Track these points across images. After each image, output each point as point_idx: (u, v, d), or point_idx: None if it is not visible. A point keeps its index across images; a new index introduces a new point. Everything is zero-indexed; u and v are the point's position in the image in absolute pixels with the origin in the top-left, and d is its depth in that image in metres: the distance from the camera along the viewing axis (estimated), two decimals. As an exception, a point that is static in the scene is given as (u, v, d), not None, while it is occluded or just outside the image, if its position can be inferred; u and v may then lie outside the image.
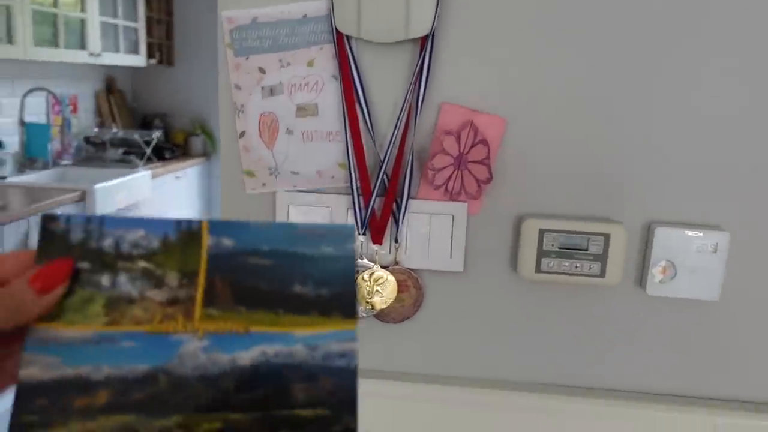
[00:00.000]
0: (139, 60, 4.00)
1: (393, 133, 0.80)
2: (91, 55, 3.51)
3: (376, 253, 0.82)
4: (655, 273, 0.79)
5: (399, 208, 0.81)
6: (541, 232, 0.79)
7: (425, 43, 0.77)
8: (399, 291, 0.83)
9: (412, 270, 0.83)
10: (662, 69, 0.76)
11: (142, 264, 0.35)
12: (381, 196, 0.81)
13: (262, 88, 0.82)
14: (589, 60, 0.77)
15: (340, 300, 0.36)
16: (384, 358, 0.87)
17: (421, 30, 0.76)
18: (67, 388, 0.33)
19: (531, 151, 0.80)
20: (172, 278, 0.35)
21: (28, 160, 3.44)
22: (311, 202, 0.84)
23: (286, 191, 0.84)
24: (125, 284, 0.35)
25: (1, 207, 2.72)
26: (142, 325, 0.34)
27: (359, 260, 0.83)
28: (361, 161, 0.81)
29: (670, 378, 0.83)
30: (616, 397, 0.82)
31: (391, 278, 0.82)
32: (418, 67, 0.78)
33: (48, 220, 0.35)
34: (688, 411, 0.81)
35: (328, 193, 0.83)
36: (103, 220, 0.35)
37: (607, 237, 0.78)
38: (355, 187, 0.81)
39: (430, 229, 0.82)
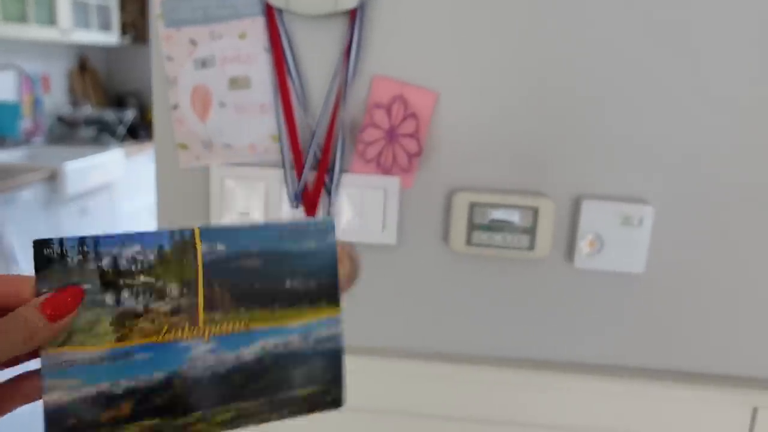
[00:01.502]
0: (112, 37, 3.95)
1: (324, 106, 0.80)
2: (62, 31, 3.46)
3: (309, 227, 0.83)
4: (583, 246, 0.80)
5: (332, 181, 0.82)
6: (472, 205, 0.80)
7: (355, 16, 0.77)
8: (333, 264, 0.84)
9: (346, 242, 0.84)
10: (588, 40, 0.76)
11: (143, 278, 0.36)
12: (313, 169, 0.82)
13: (194, 60, 0.81)
14: (520, 33, 0.77)
15: (325, 289, 0.40)
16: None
17: (350, 2, 0.76)
18: (92, 406, 0.35)
19: (462, 125, 0.80)
20: (173, 288, 0.37)
21: (-2, 138, 3.39)
22: (245, 175, 0.84)
23: (219, 165, 0.84)
24: (129, 300, 0.36)
25: (-32, 185, 2.68)
26: (151, 336, 0.37)
27: (292, 233, 0.83)
28: (293, 134, 0.81)
29: (598, 348, 0.84)
30: (546, 368, 0.84)
31: (325, 251, 0.83)
32: (348, 40, 0.77)
33: (41, 246, 0.36)
34: (618, 382, 0.82)
35: (261, 166, 0.83)
36: (97, 240, 0.36)
37: (535, 210, 0.79)
38: (287, 161, 0.81)
39: (363, 202, 0.83)
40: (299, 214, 0.83)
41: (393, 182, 0.82)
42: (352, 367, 0.87)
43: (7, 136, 3.41)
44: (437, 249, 0.84)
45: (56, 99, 3.90)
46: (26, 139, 3.50)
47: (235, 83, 0.81)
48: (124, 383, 0.36)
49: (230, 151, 0.83)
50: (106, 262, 0.36)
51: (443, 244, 0.84)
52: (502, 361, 0.85)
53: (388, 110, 0.79)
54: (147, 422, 0.36)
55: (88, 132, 3.69)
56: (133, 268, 0.36)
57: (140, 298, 0.36)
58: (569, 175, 0.80)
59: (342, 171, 0.81)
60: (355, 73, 0.79)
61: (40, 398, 0.35)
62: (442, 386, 0.84)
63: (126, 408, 0.36)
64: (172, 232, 0.37)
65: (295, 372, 0.39)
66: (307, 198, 0.82)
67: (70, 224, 3.14)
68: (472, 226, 0.80)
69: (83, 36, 3.67)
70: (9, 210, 2.76)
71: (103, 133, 3.69)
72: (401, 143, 0.80)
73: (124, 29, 4.11)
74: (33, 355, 0.35)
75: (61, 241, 0.35)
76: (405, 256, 0.84)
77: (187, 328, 0.37)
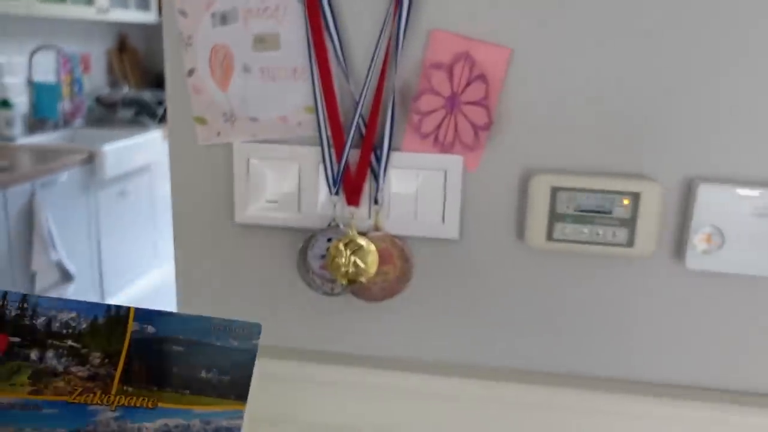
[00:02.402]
0: (150, 15, 3.86)
1: (370, 69, 0.64)
2: (99, 10, 3.37)
3: (352, 217, 0.68)
4: (697, 242, 0.63)
5: (379, 161, 0.66)
6: (554, 190, 0.64)
7: (409, -47, 0.61)
8: (381, 263, 0.69)
9: (396, 237, 0.69)
10: (713, -20, 0.59)
11: (70, 342, 0.39)
12: (357, 147, 0.66)
13: (213, 14, 0.67)
14: (618, -30, 0.60)
15: (236, 385, 0.42)
16: (362, 341, 0.73)
17: (402, -65, 0.60)
18: None
19: (542, 89, 0.64)
20: (96, 357, 0.40)
21: (37, 120, 3.34)
22: (274, 154, 0.69)
23: (244, 142, 0.69)
24: (51, 359, 0.39)
25: (6, 168, 2.63)
26: (63, 395, 0.39)
27: (333, 225, 0.68)
28: (331, 105, 0.66)
29: (715, 371, 0.67)
30: (645, 392, 0.68)
31: (371, 247, 0.68)
32: (400, -16, 0.62)
33: None
34: (739, 412, 0.66)
35: (294, 143, 0.69)
36: (37, 301, 0.39)
37: (636, 197, 0.63)
38: (325, 137, 0.66)
39: (417, 188, 0.67)
40: (339, 201, 0.68)
41: (455, 162, 0.66)
42: (401, 385, 0.74)
43: (47, 117, 3.36)
44: (509, 245, 0.68)
45: (95, 80, 3.84)
46: (66, 121, 3.44)
47: (262, 42, 0.66)
48: (28, 431, 0.38)
49: (256, 126, 0.69)
50: (40, 321, 0.39)
51: (517, 240, 0.68)
52: (590, 382, 0.69)
53: (450, 72, 0.63)
54: None
55: (126, 113, 3.62)
56: (65, 331, 0.39)
57: (62, 360, 0.39)
58: (680, 151, 0.63)
59: (391, 149, 0.66)
60: (408, 27, 0.63)
61: None
62: (511, 412, 0.69)
63: None
64: (109, 307, 0.40)
65: None
66: (349, 182, 0.67)
67: (109, 207, 3.08)
68: (555, 217, 0.64)
69: (121, 15, 3.59)
70: (47, 193, 2.70)
71: (141, 114, 3.61)
72: (466, 113, 0.64)
73: (162, 7, 4.01)
74: None
75: (4, 294, 0.39)
76: (469, 254, 0.69)
77: (98, 395, 0.40)
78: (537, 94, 0.64)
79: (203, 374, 0.42)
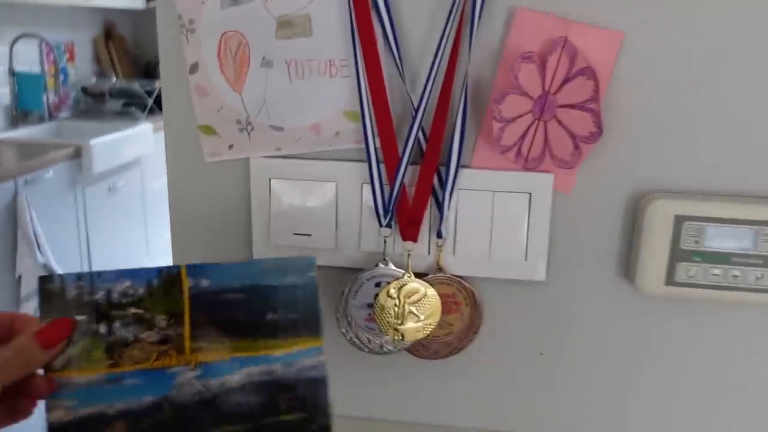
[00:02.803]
0: (138, 2, 3.66)
1: (434, 63, 0.48)
2: (83, -4, 3.18)
3: (408, 255, 0.52)
4: None
5: (443, 183, 0.51)
6: (679, 220, 0.48)
7: None
8: (444, 312, 0.53)
9: (463, 279, 0.53)
10: None
11: (132, 310, 0.39)
12: (415, 163, 0.51)
13: (221, -9, 0.50)
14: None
15: (306, 322, 0.41)
16: (421, 407, 0.58)
17: None
18: (91, 425, 0.39)
19: (661, 86, 0.48)
20: (161, 320, 0.40)
21: (20, 113, 3.16)
22: (305, 173, 0.53)
23: (264, 157, 0.54)
24: (120, 330, 0.39)
25: (-14, 165, 2.45)
26: (141, 363, 0.39)
27: (383, 266, 0.53)
28: (381, 108, 0.50)
29: None
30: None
31: (432, 292, 0.53)
32: (476, -53, 0.46)
33: (45, 281, 0.39)
34: None
35: (330, 159, 0.53)
36: (92, 276, 0.39)
37: (791, 229, 0.47)
38: (373, 150, 0.50)
39: (492, 216, 0.52)
40: (390, 234, 0.52)
41: (544, 182, 0.51)
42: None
43: (30, 110, 3.17)
44: (613, 290, 0.53)
45: (81, 70, 3.64)
46: (50, 114, 3.25)
47: (288, 27, 0.50)
48: (117, 405, 0.39)
49: (281, 136, 0.53)
50: (100, 296, 0.39)
51: (623, 283, 0.52)
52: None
53: (542, 65, 0.47)
54: None
55: (115, 104, 3.43)
56: (125, 300, 0.39)
57: (130, 328, 0.39)
58: None
59: (460, 166, 0.50)
60: (485, 5, 0.47)
61: (24, 418, 0.39)
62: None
63: (121, 428, 0.39)
64: (159, 269, 0.40)
65: (279, 399, 0.40)
66: (405, 210, 0.51)
67: (98, 204, 2.91)
68: (678, 255, 0.49)
69: (107, 0, 3.40)
70: (32, 191, 2.53)
71: (130, 106, 3.43)
72: (561, 119, 0.48)
73: (152, -9, 3.81)
74: (26, 384, 0.38)
75: (61, 277, 0.39)
76: (559, 300, 0.53)
77: (174, 356, 0.39)
78: (654, 91, 0.48)
79: (269, 316, 0.41)
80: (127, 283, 0.39)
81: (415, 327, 0.53)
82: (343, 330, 0.54)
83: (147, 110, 3.44)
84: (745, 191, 0.49)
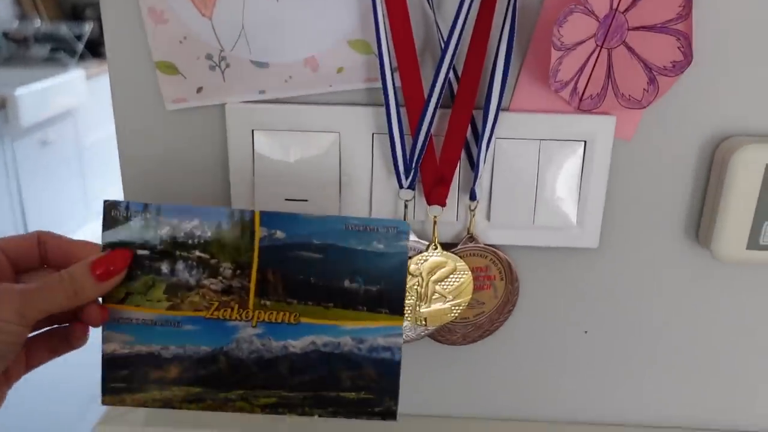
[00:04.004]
0: (59, -65, 3.34)
1: (469, -27, 0.37)
2: (-4, -72, 2.86)
3: (435, 222, 0.42)
4: None
5: (478, 132, 0.40)
6: (771, 171, 0.39)
7: None
8: (475, 288, 0.43)
9: (498, 249, 0.43)
10: None
11: (198, 253, 0.36)
12: (445, 107, 0.40)
13: None
14: None
15: (388, 297, 0.37)
16: (448, 399, 0.48)
17: None
18: (143, 363, 0.37)
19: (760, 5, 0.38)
20: (227, 268, 0.36)
21: (-67, 61, 2.87)
22: (298, 123, 0.41)
23: (245, 103, 0.42)
24: (183, 272, 0.37)
25: None
26: (200, 311, 0.37)
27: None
28: (403, 35, 0.38)
29: None
30: None
31: (462, 266, 0.43)
32: None
33: (109, 207, 0.36)
34: None
35: (330, 103, 0.41)
36: (159, 208, 0.36)
37: None
38: (391, 90, 0.39)
39: (537, 172, 0.41)
40: (413, 197, 0.41)
41: (604, 128, 0.41)
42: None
43: (-56, 58, 2.88)
44: (682, 256, 0.44)
45: (1, 13, 3.33)
46: (-32, 62, 2.97)
47: (271, -73, 0.38)
48: (173, 349, 0.37)
49: (265, 75, 0.41)
50: (165, 231, 0.36)
51: (695, 247, 0.43)
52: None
53: (611, -26, 0.36)
54: (192, 389, 0.37)
55: (40, 50, 3.15)
56: (190, 241, 0.36)
57: (194, 272, 0.36)
58: None
59: (500, 109, 0.39)
60: None
61: (79, 345, 0.37)
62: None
63: (173, 371, 0.37)
64: (232, 211, 0.36)
65: (343, 374, 0.37)
66: (430, 166, 0.41)
67: (29, 158, 2.69)
68: (766, 211, 0.40)
69: (23, -67, 3.07)
70: (-48, 148, 2.30)
71: (58, 52, 3.15)
72: (634, 45, 0.38)
73: None
74: (73, 315, 0.36)
75: (127, 205, 0.36)
76: (614, 269, 0.44)
77: (236, 310, 0.37)
78: (749, 8, 0.38)
79: (347, 284, 0.37)
80: (195, 222, 0.36)
81: (441, 309, 0.43)
82: (354, 317, 0.43)
83: (78, 56, 3.17)
84: None
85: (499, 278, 0.44)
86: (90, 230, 3.14)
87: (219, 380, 0.37)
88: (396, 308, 0.37)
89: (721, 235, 0.41)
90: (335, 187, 0.42)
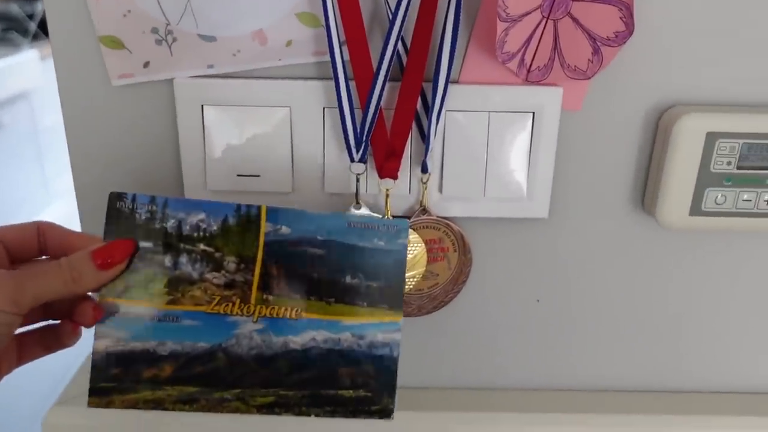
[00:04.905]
0: None
1: (415, -57, 0.37)
2: None
3: (387, 195, 0.42)
4: None
5: (428, 105, 0.40)
6: (711, 138, 0.40)
7: None
8: (429, 260, 0.44)
9: (451, 221, 0.44)
10: None
11: (202, 246, 0.36)
12: (394, 80, 0.40)
13: None
14: None
15: (388, 293, 0.37)
16: (403, 369, 0.49)
17: None
18: (137, 360, 0.36)
19: (699, -26, 0.39)
20: (231, 262, 0.37)
21: None
22: (248, 97, 0.41)
23: (193, 77, 0.41)
24: (186, 265, 0.36)
25: None
26: (201, 305, 0.36)
27: (355, 210, 0.43)
28: (349, 8, 0.38)
29: None
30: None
31: (416, 238, 0.43)
32: None
33: (115, 199, 0.36)
34: None
35: (279, 77, 0.41)
36: (166, 201, 0.36)
37: (839, 144, 0.40)
38: (340, 63, 0.39)
39: (487, 143, 0.42)
40: (364, 171, 0.42)
41: (551, 98, 0.41)
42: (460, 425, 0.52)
43: None
44: (628, 224, 0.45)
45: (-54, -10, 3.20)
46: None
47: None
48: (169, 345, 0.36)
49: (213, 49, 0.40)
50: (170, 224, 0.36)
51: (640, 215, 0.44)
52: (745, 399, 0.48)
53: (555, -55, 0.37)
54: (186, 388, 0.37)
55: (-9, 30, 3.05)
56: (196, 235, 0.36)
57: (197, 265, 0.36)
58: None
59: (449, 81, 0.40)
60: None
61: (70, 344, 0.36)
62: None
63: (167, 370, 0.36)
64: (239, 206, 0.37)
65: (342, 371, 0.37)
66: (381, 139, 0.41)
67: (-17, 144, 2.62)
68: (707, 179, 0.41)
69: None
70: None
71: (9, 31, 3.06)
72: (578, 16, 0.38)
73: None
74: (67, 312, 0.36)
75: (134, 197, 0.36)
76: (564, 238, 0.45)
77: (237, 305, 0.37)
78: (686, -19, 0.39)
79: (348, 280, 0.37)
80: (201, 215, 0.36)
81: (396, 282, 0.43)
82: (309, 291, 0.43)
83: (31, 36, 3.08)
84: (785, 101, 0.42)
85: (452, 250, 0.45)
86: (51, 213, 3.08)
87: (216, 378, 0.37)
88: (395, 303, 0.37)
89: (664, 202, 0.42)
90: (287, 162, 0.42)
